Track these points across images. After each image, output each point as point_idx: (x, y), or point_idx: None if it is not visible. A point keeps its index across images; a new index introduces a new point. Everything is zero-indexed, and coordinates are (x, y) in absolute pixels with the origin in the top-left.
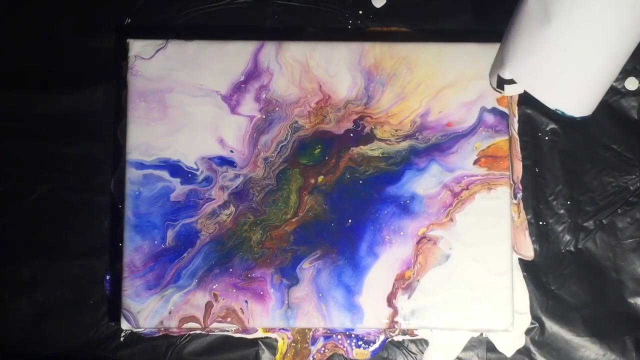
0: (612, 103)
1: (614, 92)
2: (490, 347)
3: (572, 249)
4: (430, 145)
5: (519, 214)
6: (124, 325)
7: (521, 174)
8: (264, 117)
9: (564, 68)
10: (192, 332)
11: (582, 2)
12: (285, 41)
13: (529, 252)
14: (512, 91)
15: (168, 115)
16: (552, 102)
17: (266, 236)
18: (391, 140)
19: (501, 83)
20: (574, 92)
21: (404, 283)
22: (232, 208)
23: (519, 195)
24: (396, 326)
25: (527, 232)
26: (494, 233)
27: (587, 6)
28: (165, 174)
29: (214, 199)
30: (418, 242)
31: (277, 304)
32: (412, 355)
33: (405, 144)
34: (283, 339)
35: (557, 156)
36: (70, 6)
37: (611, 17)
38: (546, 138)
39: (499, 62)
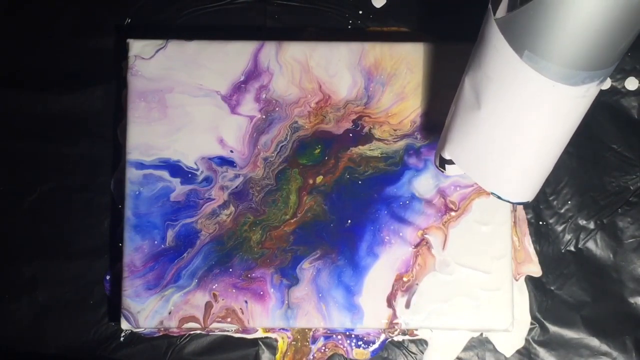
0: (612, 103)
1: (614, 92)
2: (490, 347)
3: (572, 248)
4: (428, 144)
5: (518, 238)
6: (124, 325)
7: None
8: (264, 117)
9: (494, 153)
10: (192, 332)
11: (507, 91)
12: (285, 41)
13: (537, 272)
14: (452, 171)
15: (168, 115)
16: (486, 185)
17: (266, 236)
18: (389, 140)
19: (443, 163)
20: (507, 177)
21: (404, 284)
22: (232, 208)
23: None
24: (396, 326)
25: (531, 250)
26: (494, 233)
27: (512, 96)
28: (165, 174)
29: (214, 199)
30: (418, 242)
31: (277, 304)
32: (412, 355)
33: (402, 143)
34: (283, 338)
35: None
36: (70, 6)
37: (538, 107)
38: None
39: (441, 142)
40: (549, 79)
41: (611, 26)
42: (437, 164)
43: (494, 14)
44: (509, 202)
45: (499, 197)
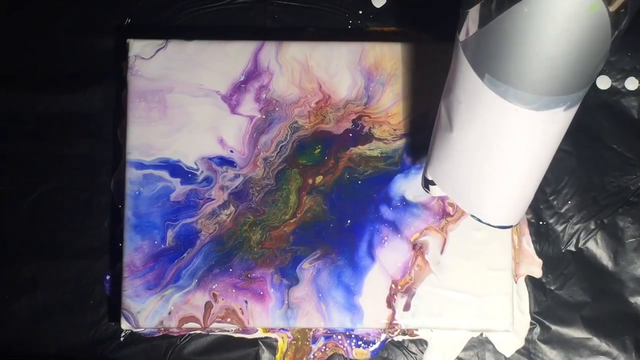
0: (612, 103)
1: (614, 92)
2: (490, 347)
3: (572, 248)
4: (428, 143)
5: (518, 237)
6: (124, 325)
7: None
8: (264, 117)
9: (469, 176)
10: (192, 332)
11: (474, 115)
12: (285, 41)
13: (537, 273)
14: (436, 192)
15: (168, 115)
16: (466, 207)
17: (266, 236)
18: (388, 139)
19: (427, 183)
20: (484, 201)
21: (404, 284)
22: (232, 208)
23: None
24: (396, 326)
25: (531, 250)
26: (494, 232)
27: (480, 120)
28: (165, 174)
29: (214, 199)
30: (418, 242)
31: (277, 304)
32: (412, 355)
33: (401, 142)
34: (283, 338)
35: (558, 156)
36: (70, 6)
37: (500, 131)
38: None
39: (425, 163)
40: (511, 103)
41: (567, 51)
42: (422, 184)
43: (460, 37)
44: (489, 225)
45: (479, 220)
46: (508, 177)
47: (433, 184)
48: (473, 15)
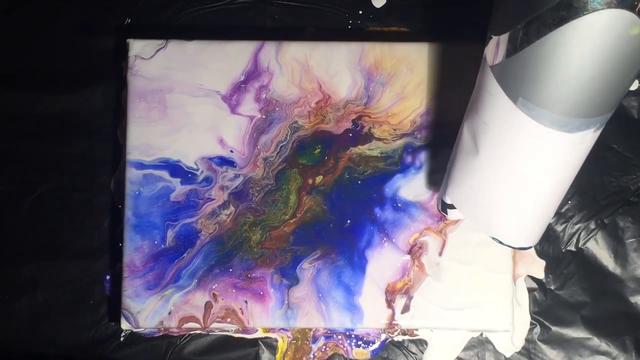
0: None
1: None
2: (490, 347)
3: (572, 248)
4: (429, 143)
5: None
6: (124, 325)
7: None
8: (264, 117)
9: (493, 198)
10: (192, 332)
11: (504, 137)
12: (285, 41)
13: (540, 274)
14: (454, 216)
15: (168, 115)
16: (487, 230)
17: (266, 236)
18: (388, 139)
19: (444, 207)
20: (506, 223)
21: (404, 284)
22: (232, 208)
23: None
24: (396, 326)
25: (533, 251)
26: None
27: (508, 143)
28: (165, 174)
29: (214, 199)
30: (417, 243)
31: (277, 304)
32: (412, 355)
33: (401, 142)
34: (283, 338)
35: None
36: (70, 6)
37: (531, 153)
38: None
39: (443, 187)
40: (544, 125)
41: (605, 74)
42: (439, 208)
43: (489, 60)
44: (510, 247)
45: (500, 242)
46: (533, 198)
47: (452, 207)
48: (504, 39)
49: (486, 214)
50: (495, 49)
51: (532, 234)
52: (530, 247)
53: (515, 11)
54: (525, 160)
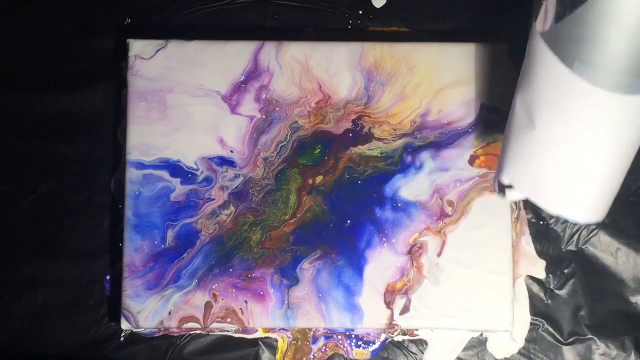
0: None
1: None
2: (490, 347)
3: (572, 248)
4: (428, 143)
5: (517, 236)
6: (124, 325)
7: None
8: (264, 117)
9: (554, 173)
10: (192, 332)
11: (561, 107)
12: (285, 41)
13: (540, 274)
14: (512, 196)
15: (168, 115)
16: (551, 208)
17: (266, 236)
18: (388, 139)
19: (502, 188)
20: (572, 197)
21: (404, 283)
22: (232, 208)
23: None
24: (396, 326)
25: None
26: (494, 233)
27: (567, 113)
28: (165, 174)
29: (214, 199)
30: (417, 243)
31: (277, 304)
32: (412, 355)
33: (401, 142)
34: (283, 338)
35: None
36: (70, 6)
37: (594, 121)
38: None
39: (499, 167)
40: (605, 89)
41: None
42: (496, 190)
43: (539, 28)
44: (577, 223)
45: (565, 220)
46: (597, 168)
47: (510, 187)
48: (552, 2)
49: (548, 190)
50: (544, 15)
51: (599, 207)
52: (598, 222)
53: None
54: (586, 129)
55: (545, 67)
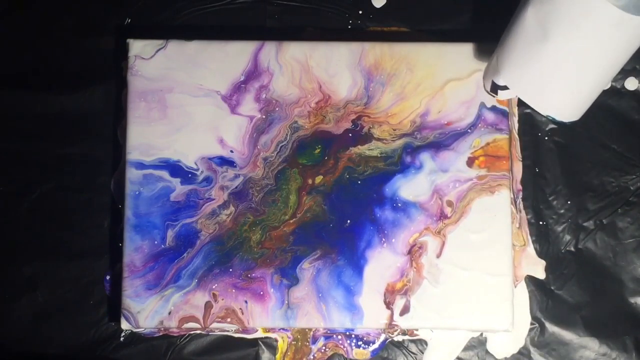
0: (612, 103)
1: (614, 92)
2: (490, 347)
3: (572, 248)
4: (428, 143)
5: (524, 238)
6: (124, 325)
7: (521, 174)
8: (264, 117)
9: (557, 81)
10: (192, 332)
11: (580, 25)
12: (285, 41)
13: (540, 274)
14: (505, 96)
15: (168, 115)
16: (543, 109)
17: (266, 236)
18: (387, 139)
19: (495, 88)
20: (566, 101)
21: (404, 283)
22: (232, 208)
23: (521, 213)
24: (396, 326)
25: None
26: (494, 233)
27: (583, 30)
28: (165, 174)
29: (214, 199)
30: (417, 243)
31: (277, 304)
32: (412, 355)
33: (400, 142)
34: (283, 338)
35: (557, 156)
36: (70, 6)
37: (605, 37)
38: (546, 138)
39: (493, 68)
40: (624, 11)
41: None
42: (489, 89)
43: None
44: (562, 122)
45: (553, 119)
46: (596, 79)
47: (504, 88)
48: None
49: (544, 94)
50: None
51: (581, 109)
52: (576, 120)
53: None
54: (598, 45)
55: None
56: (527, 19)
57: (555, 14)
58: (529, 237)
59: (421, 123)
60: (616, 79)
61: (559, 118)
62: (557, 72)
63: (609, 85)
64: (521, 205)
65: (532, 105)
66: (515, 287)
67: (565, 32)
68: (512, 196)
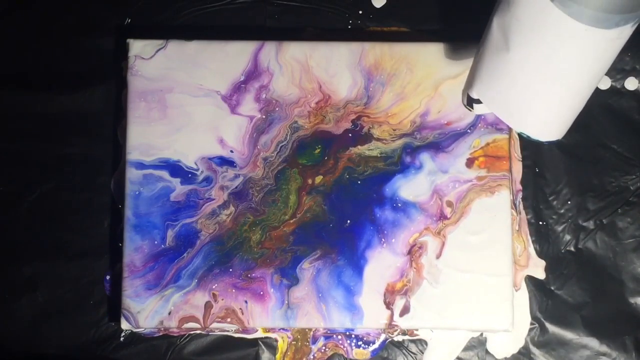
0: (612, 103)
1: (614, 92)
2: (490, 347)
3: (572, 248)
4: (428, 143)
5: (524, 243)
6: (124, 325)
7: (521, 174)
8: (264, 117)
9: (523, 94)
10: (192, 332)
11: (538, 34)
12: (285, 41)
13: (540, 274)
14: (480, 110)
15: (168, 115)
16: (515, 125)
17: (266, 236)
18: (387, 139)
19: (470, 102)
20: (536, 117)
21: (404, 283)
22: (232, 208)
23: (522, 214)
24: (396, 326)
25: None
26: (494, 233)
27: (543, 40)
28: (165, 174)
29: (214, 199)
30: (417, 243)
31: (277, 304)
32: (412, 355)
33: (400, 142)
34: (283, 338)
35: (557, 156)
36: (70, 6)
37: (569, 50)
38: None
39: (469, 81)
40: (581, 22)
41: None
42: (465, 102)
43: None
44: (538, 141)
45: (527, 137)
46: (565, 93)
47: (478, 102)
48: None
49: (514, 109)
50: None
51: (560, 128)
52: (556, 141)
53: None
54: (559, 57)
55: None
56: (492, 28)
57: (515, 23)
58: (529, 237)
59: (421, 123)
60: (616, 79)
61: (533, 136)
62: (524, 85)
63: (580, 104)
64: (521, 206)
65: (505, 121)
66: (517, 291)
67: (526, 42)
68: (511, 197)
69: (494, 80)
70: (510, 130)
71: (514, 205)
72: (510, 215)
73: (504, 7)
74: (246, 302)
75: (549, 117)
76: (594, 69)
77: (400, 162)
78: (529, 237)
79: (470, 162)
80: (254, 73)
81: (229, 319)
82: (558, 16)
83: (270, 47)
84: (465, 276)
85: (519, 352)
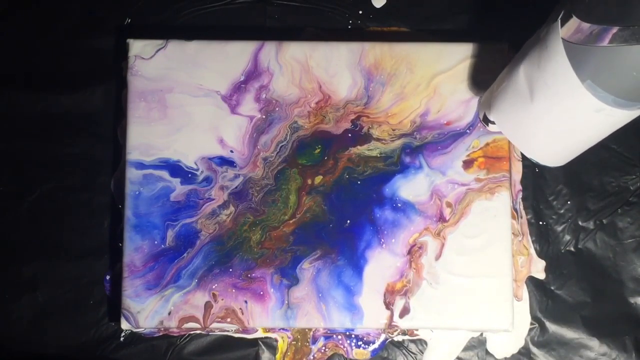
0: None
1: None
2: (490, 347)
3: (572, 249)
4: (427, 143)
5: (525, 246)
6: (124, 325)
7: (521, 174)
8: (263, 117)
9: (541, 135)
10: (192, 332)
11: (562, 102)
12: (285, 41)
13: (540, 274)
14: (495, 129)
15: (168, 115)
16: (528, 153)
17: (266, 236)
18: (387, 140)
19: (486, 120)
20: (550, 152)
21: (404, 283)
22: (232, 208)
23: (523, 218)
24: (396, 326)
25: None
26: (494, 233)
27: (565, 107)
28: (165, 174)
29: (213, 199)
30: (416, 243)
31: (277, 304)
32: (412, 355)
33: (399, 142)
34: (283, 338)
35: None
36: (70, 6)
37: (587, 116)
38: None
39: (487, 102)
40: (606, 104)
41: None
42: (481, 118)
43: (564, 35)
44: (545, 166)
45: (536, 162)
46: (579, 142)
47: (493, 123)
48: (588, 27)
49: (527, 139)
50: (574, 30)
51: (567, 158)
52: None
53: (611, 12)
54: (579, 122)
55: (558, 69)
56: (519, 75)
57: (543, 85)
58: (529, 236)
59: (421, 123)
60: None
61: (542, 163)
62: (541, 130)
63: (591, 144)
64: (521, 206)
65: (517, 147)
66: (518, 301)
67: (550, 103)
68: (511, 198)
69: (513, 115)
70: None
71: (514, 210)
72: (510, 215)
73: (534, 63)
74: (246, 302)
75: (559, 150)
76: (609, 131)
77: (399, 162)
78: (530, 240)
79: (470, 163)
80: (254, 73)
81: (229, 319)
82: (585, 96)
83: (270, 47)
84: (465, 276)
85: (519, 352)
